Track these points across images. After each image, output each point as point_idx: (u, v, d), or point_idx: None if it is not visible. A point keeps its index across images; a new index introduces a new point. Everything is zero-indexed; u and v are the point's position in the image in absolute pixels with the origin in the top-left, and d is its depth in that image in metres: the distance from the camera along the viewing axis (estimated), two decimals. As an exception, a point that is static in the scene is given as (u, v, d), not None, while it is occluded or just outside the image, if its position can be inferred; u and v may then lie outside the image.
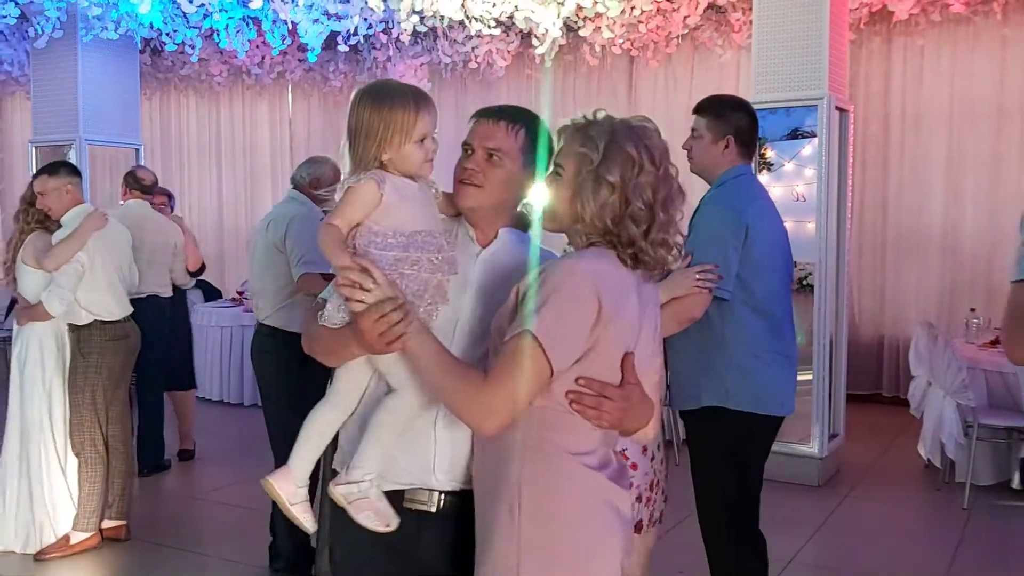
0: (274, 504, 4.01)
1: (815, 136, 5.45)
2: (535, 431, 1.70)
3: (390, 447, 1.83)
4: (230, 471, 5.89)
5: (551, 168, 1.82)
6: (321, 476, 2.04)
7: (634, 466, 2.97)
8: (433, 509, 1.86)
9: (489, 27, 6.34)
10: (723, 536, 3.08)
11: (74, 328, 4.38)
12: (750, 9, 5.96)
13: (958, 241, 7.57)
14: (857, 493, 5.37)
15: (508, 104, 2.05)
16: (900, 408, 6.71)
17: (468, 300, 1.89)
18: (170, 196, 6.27)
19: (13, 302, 8.54)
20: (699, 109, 3.17)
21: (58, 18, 6.52)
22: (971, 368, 5.22)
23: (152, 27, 6.92)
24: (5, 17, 6.42)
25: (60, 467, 4.41)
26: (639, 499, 2.97)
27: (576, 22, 6.74)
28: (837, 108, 5.56)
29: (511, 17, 6.32)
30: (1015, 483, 5.23)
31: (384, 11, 6.15)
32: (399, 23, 6.35)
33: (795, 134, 5.55)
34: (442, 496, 1.86)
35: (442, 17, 6.31)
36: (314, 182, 4.11)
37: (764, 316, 3.02)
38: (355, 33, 6.61)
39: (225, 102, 10.78)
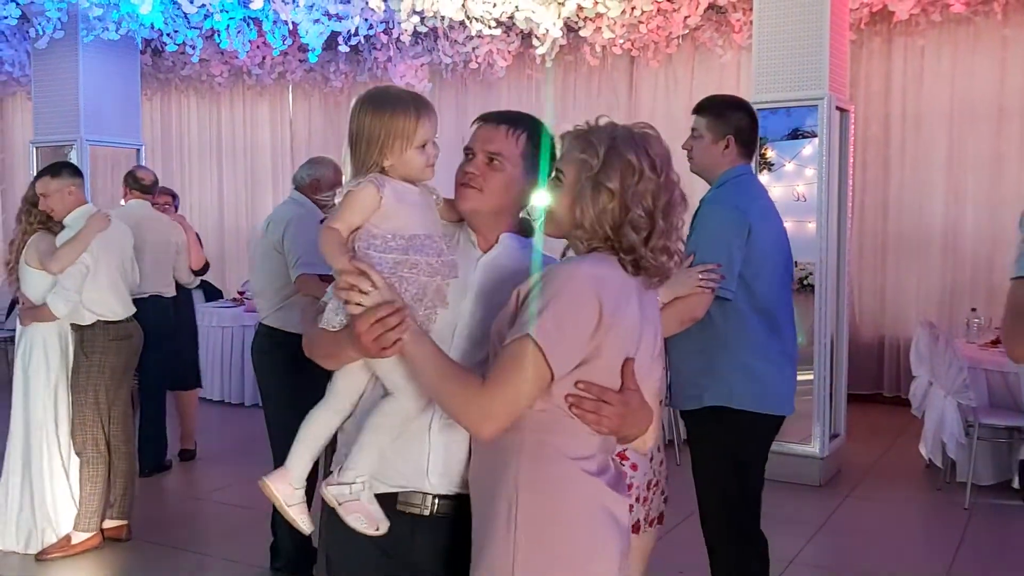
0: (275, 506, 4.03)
1: (815, 136, 5.45)
2: (534, 434, 1.69)
3: (384, 450, 1.83)
4: (231, 471, 5.89)
5: (552, 174, 1.82)
6: (320, 477, 2.04)
7: (634, 466, 2.97)
8: (426, 513, 1.86)
9: (489, 27, 6.35)
10: (724, 536, 3.08)
11: (77, 328, 4.39)
12: (750, 9, 5.97)
13: (959, 241, 7.57)
14: (858, 493, 5.37)
15: (511, 109, 2.06)
16: (901, 408, 6.71)
17: (468, 304, 1.89)
18: (174, 196, 6.27)
19: (14, 302, 8.58)
20: (699, 109, 3.17)
21: (59, 19, 6.53)
22: (972, 368, 5.22)
23: (153, 28, 6.93)
24: (6, 18, 6.43)
25: (64, 467, 4.42)
26: (636, 499, 2.97)
27: (577, 22, 6.74)
28: (838, 108, 5.56)
29: (511, 17, 6.32)
30: (1016, 483, 5.23)
31: (385, 11, 6.16)
32: (400, 23, 6.35)
33: (796, 134, 5.55)
34: (435, 500, 1.86)
35: (443, 17, 6.31)
36: (314, 183, 4.12)
37: (765, 316, 3.02)
38: (356, 33, 6.62)
39: (226, 102, 10.78)
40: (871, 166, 7.81)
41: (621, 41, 7.32)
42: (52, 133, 7.39)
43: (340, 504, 1.83)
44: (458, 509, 1.85)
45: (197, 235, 6.31)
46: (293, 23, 6.52)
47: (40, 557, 4.31)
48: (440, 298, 1.82)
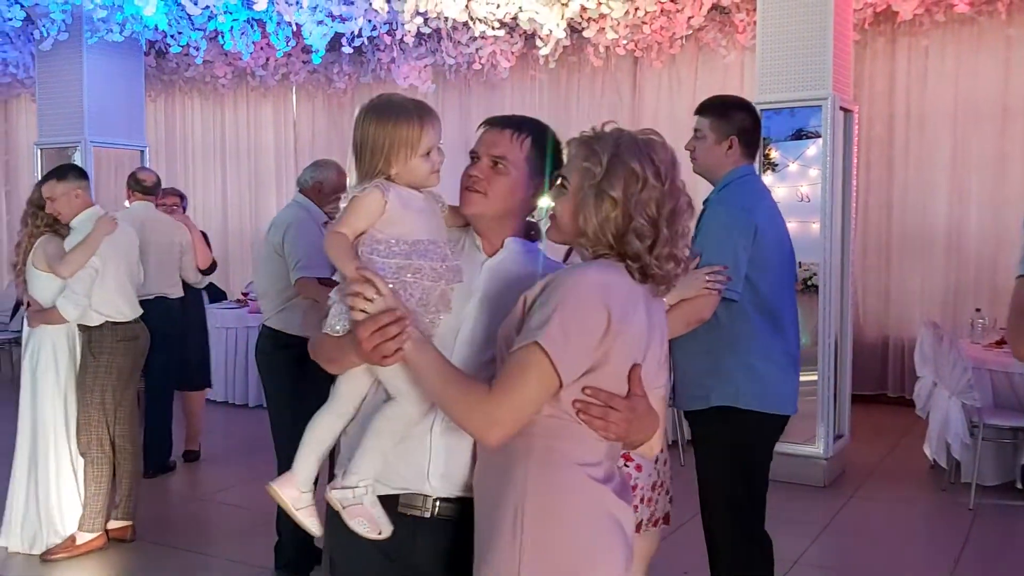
0: (279, 507, 4.03)
1: (819, 136, 5.45)
2: (542, 440, 1.69)
3: (388, 454, 1.84)
4: (235, 472, 5.90)
5: (557, 180, 1.81)
6: (328, 480, 2.05)
7: (638, 467, 2.97)
8: (427, 515, 1.86)
9: (493, 28, 6.35)
10: (729, 537, 3.08)
11: (85, 329, 4.40)
12: (754, 10, 5.97)
13: (963, 241, 7.56)
14: (862, 494, 5.36)
15: (516, 114, 2.06)
16: (905, 408, 6.70)
17: (471, 308, 1.89)
18: (182, 197, 6.27)
19: (18, 304, 8.59)
20: (702, 109, 3.17)
21: (63, 20, 6.54)
22: (976, 368, 5.21)
23: (157, 29, 6.94)
24: (10, 19, 6.44)
25: (72, 468, 4.43)
26: (641, 500, 2.97)
27: (580, 23, 6.74)
28: (841, 108, 5.56)
29: (515, 18, 6.33)
30: (1020, 484, 5.22)
31: (388, 13, 6.16)
32: (403, 25, 6.36)
33: (799, 134, 5.55)
34: (436, 502, 1.86)
35: (446, 19, 6.32)
36: (317, 186, 4.14)
37: (770, 316, 3.03)
38: (359, 35, 6.62)
39: (229, 104, 10.80)
40: (875, 166, 7.80)
41: (624, 42, 7.32)
42: (56, 135, 7.41)
43: (344, 508, 1.83)
44: (460, 512, 1.85)
45: (205, 235, 6.31)
46: (297, 24, 6.52)
47: (45, 557, 4.32)
48: (444, 303, 1.82)
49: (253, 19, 6.95)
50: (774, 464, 3.20)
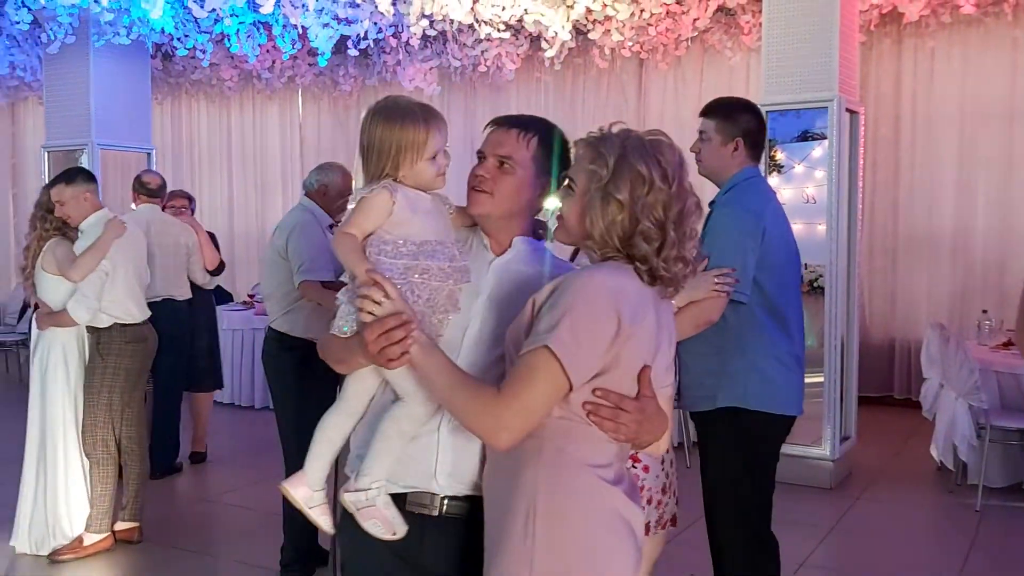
0: (284, 505, 4.05)
1: (825, 138, 5.44)
2: (552, 441, 1.69)
3: (398, 454, 1.84)
4: (241, 474, 5.92)
5: (565, 181, 1.81)
6: (335, 479, 2.06)
7: (646, 468, 2.97)
8: (435, 513, 1.86)
9: (498, 31, 6.36)
10: (736, 538, 3.08)
11: (93, 330, 4.42)
12: (760, 11, 5.96)
13: (969, 242, 7.54)
14: (869, 495, 5.35)
15: (524, 114, 2.06)
16: (911, 410, 6.69)
17: (479, 308, 1.89)
18: (190, 199, 6.28)
19: (25, 306, 8.62)
20: (707, 111, 3.17)
21: (70, 24, 6.56)
22: (983, 370, 5.20)
23: (163, 32, 6.96)
24: (18, 23, 6.46)
25: (82, 470, 4.45)
26: (649, 501, 2.97)
27: (585, 25, 6.74)
28: (847, 110, 5.55)
29: (520, 20, 6.33)
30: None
31: (394, 15, 6.17)
32: (409, 27, 6.37)
33: (805, 136, 5.54)
34: (444, 500, 1.86)
35: (451, 21, 6.33)
36: (322, 188, 4.15)
37: (777, 318, 3.03)
38: (365, 37, 6.64)
39: (236, 106, 10.83)
40: (881, 168, 7.79)
41: (630, 44, 7.33)
42: (63, 137, 7.43)
43: (358, 510, 1.84)
44: (469, 511, 1.85)
45: (214, 236, 6.31)
46: (303, 27, 6.54)
47: (52, 558, 4.34)
48: (452, 303, 1.83)
49: (259, 22, 6.98)
50: (781, 466, 3.19)
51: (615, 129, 1.77)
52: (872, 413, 6.87)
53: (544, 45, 6.76)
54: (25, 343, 8.83)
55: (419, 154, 1.83)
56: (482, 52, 7.67)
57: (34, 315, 4.55)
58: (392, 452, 1.83)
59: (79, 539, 4.39)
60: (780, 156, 5.61)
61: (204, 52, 7.26)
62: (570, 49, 7.23)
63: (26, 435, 4.47)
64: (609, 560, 1.70)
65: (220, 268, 6.14)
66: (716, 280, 2.85)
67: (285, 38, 6.96)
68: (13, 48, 7.79)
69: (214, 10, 6.12)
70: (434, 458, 1.85)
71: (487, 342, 1.86)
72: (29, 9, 6.31)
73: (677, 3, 6.56)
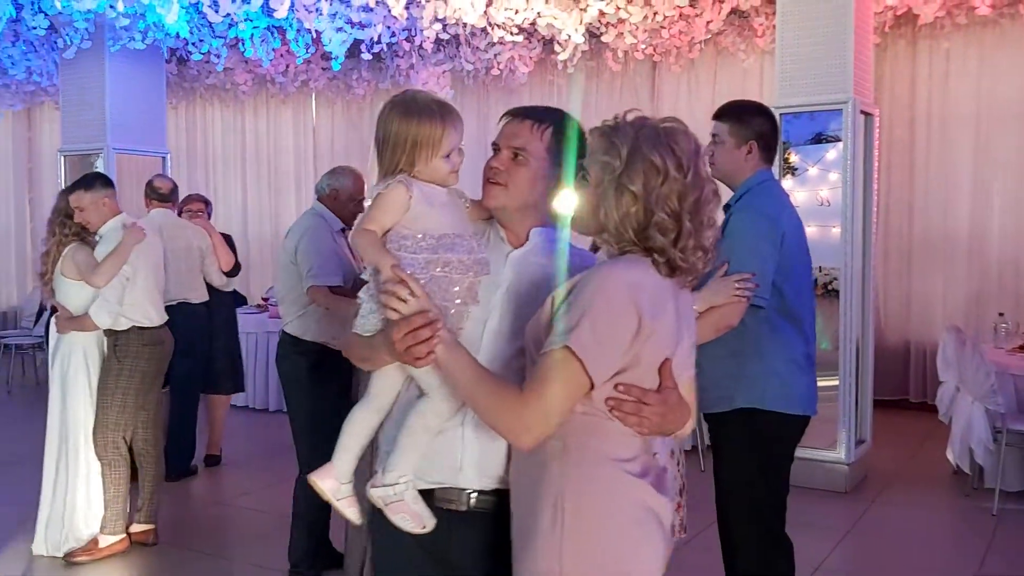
0: (294, 506, 4.07)
1: (840, 140, 5.42)
2: (577, 438, 1.69)
3: (424, 450, 1.85)
4: (256, 477, 5.94)
5: (579, 173, 1.79)
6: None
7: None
8: (463, 508, 1.87)
9: (512, 34, 6.36)
10: (750, 535, 3.07)
11: (111, 333, 4.44)
12: (773, 14, 5.95)
13: (985, 244, 7.50)
14: (884, 499, 5.33)
15: (539, 105, 2.05)
16: (927, 413, 6.65)
17: (498, 301, 1.89)
18: (207, 203, 6.30)
19: (42, 309, 8.67)
20: (720, 114, 3.17)
21: (86, 29, 6.61)
22: (1000, 373, 5.16)
23: (178, 37, 7.00)
24: (35, 28, 6.51)
25: (100, 472, 4.47)
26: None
27: (599, 28, 6.74)
28: (862, 112, 5.53)
29: (533, 24, 6.34)
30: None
31: (407, 19, 6.19)
32: (422, 31, 6.38)
33: (819, 138, 5.52)
34: (472, 495, 1.87)
35: (464, 24, 6.33)
36: (333, 193, 4.16)
37: (794, 320, 3.05)
38: (378, 41, 6.65)
39: (250, 110, 10.88)
40: (896, 170, 7.76)
41: (643, 46, 7.32)
42: (79, 142, 7.48)
43: (386, 505, 1.85)
44: (497, 505, 1.85)
45: (230, 237, 6.33)
46: (316, 31, 6.56)
47: (67, 559, 4.36)
48: (472, 296, 1.83)
49: (273, 26, 7.00)
50: (796, 469, 3.19)
51: (629, 117, 1.74)
52: (887, 416, 6.84)
53: (557, 48, 6.77)
54: (41, 346, 8.90)
55: (434, 151, 1.83)
56: (495, 55, 7.67)
57: (53, 319, 4.58)
58: (418, 447, 1.84)
59: (94, 541, 4.42)
60: (794, 159, 5.59)
61: (219, 57, 7.29)
62: (583, 52, 7.23)
63: (45, 437, 4.50)
64: (636, 551, 1.70)
65: (236, 270, 6.15)
66: (736, 285, 2.85)
67: (299, 42, 6.98)
68: (30, 53, 7.85)
69: (229, 15, 6.15)
70: (460, 453, 1.85)
71: (507, 335, 1.86)
72: (46, 14, 6.36)
73: (690, 5, 6.55)
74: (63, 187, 5.48)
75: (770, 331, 2.99)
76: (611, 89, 8.79)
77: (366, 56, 6.92)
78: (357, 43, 6.74)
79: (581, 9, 6.12)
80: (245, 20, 6.45)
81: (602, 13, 6.17)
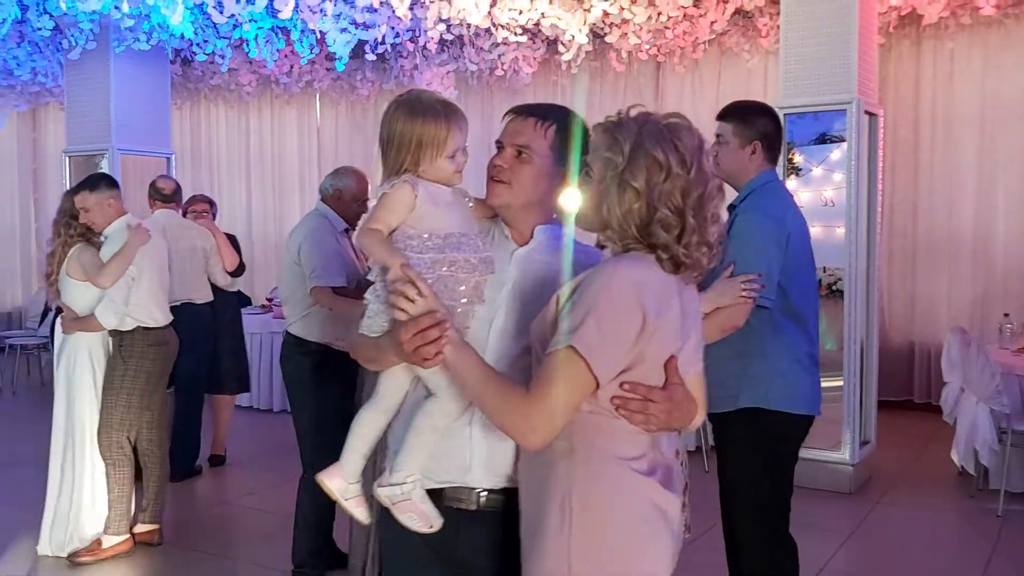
0: (297, 507, 4.07)
1: (844, 140, 5.41)
2: (583, 437, 1.69)
3: (431, 449, 1.85)
4: (260, 477, 5.94)
5: (583, 169, 1.78)
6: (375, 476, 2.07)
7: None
8: (473, 507, 1.87)
9: (516, 35, 6.36)
10: (755, 534, 3.07)
11: (116, 333, 4.45)
12: (777, 14, 5.94)
13: (990, 245, 7.49)
14: (889, 500, 5.32)
15: (543, 102, 2.05)
16: (932, 414, 6.64)
17: (503, 299, 1.89)
18: (212, 204, 6.31)
19: (47, 310, 8.69)
20: (724, 115, 3.17)
21: (91, 30, 6.62)
22: (1005, 374, 5.15)
23: (183, 38, 7.01)
24: (40, 29, 6.52)
25: (104, 472, 4.47)
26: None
27: (602, 28, 6.74)
28: (866, 112, 5.52)
29: (537, 24, 6.34)
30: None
31: (411, 20, 6.19)
32: (426, 31, 6.39)
33: (823, 139, 5.51)
34: (481, 494, 1.87)
35: (468, 25, 6.34)
36: (336, 193, 4.16)
37: (798, 320, 3.06)
38: (382, 42, 6.66)
39: (254, 111, 10.90)
40: (900, 170, 7.74)
41: (647, 47, 7.32)
42: (84, 142, 7.49)
43: (394, 504, 1.86)
44: (505, 504, 1.85)
45: (233, 237, 6.34)
46: (321, 32, 6.56)
47: (72, 559, 4.37)
48: (478, 295, 1.83)
49: (278, 27, 7.00)
50: (800, 470, 3.19)
51: (633, 113, 1.73)
52: (892, 417, 6.83)
53: (561, 48, 6.77)
54: (46, 347, 8.91)
55: (439, 150, 1.83)
56: (499, 56, 7.68)
57: (58, 319, 4.59)
58: (425, 447, 1.85)
59: (98, 541, 4.42)
60: (798, 159, 5.59)
61: (223, 57, 7.30)
62: (587, 53, 7.23)
63: (51, 438, 4.51)
64: (644, 549, 1.71)
65: (240, 270, 6.16)
66: (742, 286, 2.85)
67: (303, 43, 6.99)
68: (35, 54, 7.86)
69: (233, 16, 6.16)
70: (468, 453, 1.86)
71: (513, 333, 1.86)
72: (51, 16, 6.37)
73: (694, 6, 6.55)
74: (68, 188, 5.49)
75: (774, 331, 2.99)
76: (615, 90, 8.79)
77: (370, 57, 6.93)
78: (361, 44, 6.75)
79: (585, 10, 6.12)
80: (249, 21, 6.46)
81: (606, 13, 6.17)
